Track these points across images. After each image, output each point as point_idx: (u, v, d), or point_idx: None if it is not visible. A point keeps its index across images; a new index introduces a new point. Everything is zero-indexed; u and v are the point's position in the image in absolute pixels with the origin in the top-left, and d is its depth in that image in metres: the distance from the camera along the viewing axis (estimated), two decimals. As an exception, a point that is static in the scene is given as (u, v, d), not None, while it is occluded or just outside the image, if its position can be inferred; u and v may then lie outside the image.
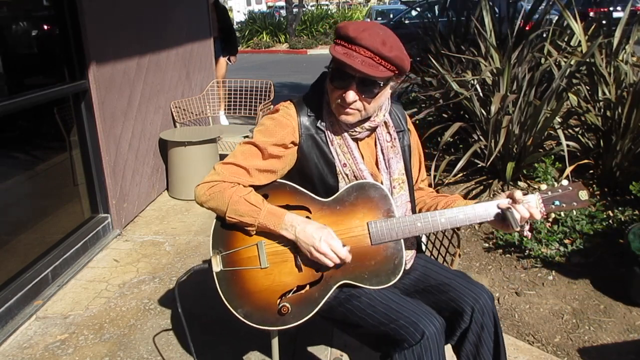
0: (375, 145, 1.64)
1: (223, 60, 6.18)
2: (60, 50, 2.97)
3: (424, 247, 1.92)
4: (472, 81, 3.73)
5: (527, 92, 3.39)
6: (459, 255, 1.87)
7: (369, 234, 1.51)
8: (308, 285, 1.52)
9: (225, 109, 5.32)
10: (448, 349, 1.54)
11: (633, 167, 3.21)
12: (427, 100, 4.43)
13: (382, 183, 1.61)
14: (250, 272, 1.52)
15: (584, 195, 1.54)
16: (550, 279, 2.74)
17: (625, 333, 2.33)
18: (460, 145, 4.00)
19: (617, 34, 3.62)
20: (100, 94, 3.12)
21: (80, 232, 3.09)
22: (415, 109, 4.21)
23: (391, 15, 14.66)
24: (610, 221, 3.01)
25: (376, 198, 1.54)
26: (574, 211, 3.02)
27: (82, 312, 2.53)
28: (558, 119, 3.49)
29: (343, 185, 1.58)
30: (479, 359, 1.54)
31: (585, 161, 3.41)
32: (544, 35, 4.15)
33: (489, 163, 3.34)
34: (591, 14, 5.81)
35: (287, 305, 1.49)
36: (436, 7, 6.40)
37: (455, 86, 3.77)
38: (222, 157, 4.03)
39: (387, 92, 1.54)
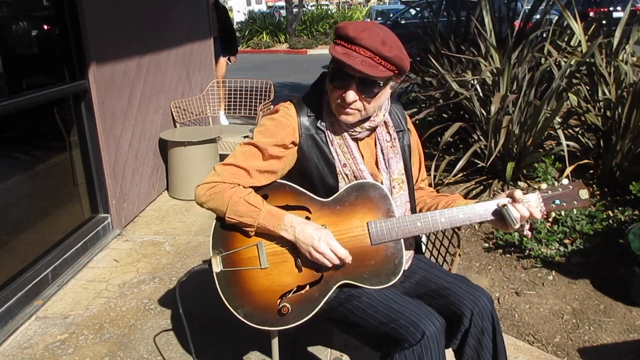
0: (375, 145, 1.64)
1: (223, 60, 6.18)
2: (60, 50, 2.97)
3: (423, 248, 1.92)
4: (472, 81, 3.73)
5: (527, 92, 3.39)
6: (459, 256, 1.87)
7: (369, 234, 1.51)
8: (308, 286, 1.52)
9: (225, 109, 5.32)
10: (449, 353, 1.54)
11: (633, 167, 3.21)
12: (427, 100, 4.44)
13: (382, 183, 1.61)
14: (250, 272, 1.52)
15: (584, 194, 1.54)
16: (550, 279, 2.74)
17: (625, 333, 2.33)
18: (460, 145, 4.00)
19: (617, 34, 3.62)
20: (100, 94, 3.12)
21: (80, 232, 3.09)
22: (415, 109, 4.21)
23: (391, 15, 14.66)
24: (610, 221, 3.01)
25: (376, 198, 1.54)
26: (574, 211, 3.02)
27: (82, 312, 2.53)
28: (558, 119, 3.49)
29: (343, 185, 1.58)
30: (480, 362, 1.54)
31: (585, 161, 3.41)
32: (544, 35, 4.15)
33: (489, 163, 3.34)
34: (591, 14, 5.82)
35: (287, 305, 1.49)
36: (433, 7, 6.39)
37: (455, 86, 3.77)
38: (222, 157, 4.04)
39: (387, 91, 1.54)
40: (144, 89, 3.73)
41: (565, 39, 4.13)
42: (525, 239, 2.91)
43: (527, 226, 1.55)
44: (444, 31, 4.91)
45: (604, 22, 4.21)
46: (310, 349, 2.21)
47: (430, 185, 1.95)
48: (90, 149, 3.15)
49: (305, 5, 24.24)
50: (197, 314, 2.41)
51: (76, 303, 2.60)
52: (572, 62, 3.40)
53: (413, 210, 1.72)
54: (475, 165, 3.63)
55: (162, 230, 3.43)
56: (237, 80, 5.01)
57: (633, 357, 2.18)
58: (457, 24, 4.98)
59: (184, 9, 4.50)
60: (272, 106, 4.17)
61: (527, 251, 2.92)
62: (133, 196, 3.59)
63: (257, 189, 1.55)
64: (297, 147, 1.58)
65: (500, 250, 3.01)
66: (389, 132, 1.65)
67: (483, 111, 3.59)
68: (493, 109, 3.35)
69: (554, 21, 4.32)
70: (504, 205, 1.48)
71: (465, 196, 3.47)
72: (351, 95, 1.46)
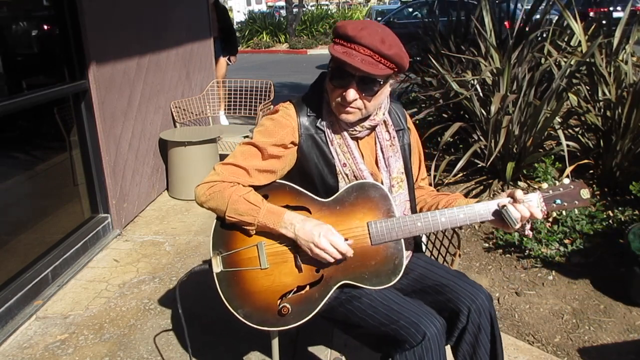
0: (375, 144, 1.64)
1: (223, 60, 6.18)
2: (60, 50, 2.97)
3: (424, 247, 1.92)
4: (472, 81, 3.73)
5: (527, 92, 3.39)
6: (459, 256, 1.87)
7: (369, 234, 1.51)
8: (308, 286, 1.52)
9: (225, 109, 5.32)
10: (447, 349, 1.54)
11: (633, 167, 3.21)
12: (427, 100, 4.44)
13: (382, 182, 1.61)
14: (251, 272, 1.52)
15: (585, 193, 1.53)
16: (550, 279, 2.74)
17: (625, 333, 2.33)
18: (460, 145, 4.00)
19: (617, 34, 3.62)
20: (100, 94, 3.12)
21: (80, 232, 3.09)
22: (415, 109, 4.21)
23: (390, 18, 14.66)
24: (610, 221, 3.01)
25: (376, 198, 1.54)
26: (574, 211, 3.02)
27: (82, 312, 2.53)
28: (558, 119, 3.49)
29: (343, 185, 1.57)
30: (476, 359, 1.54)
31: (585, 161, 3.41)
32: (544, 35, 4.15)
33: (489, 163, 3.34)
34: (591, 14, 5.82)
35: (288, 305, 1.49)
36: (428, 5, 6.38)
37: (455, 86, 3.77)
38: (222, 157, 4.04)
39: (386, 90, 1.54)
40: (144, 89, 3.73)
41: (565, 39, 4.13)
42: (525, 239, 2.91)
43: (528, 226, 1.55)
44: (444, 31, 4.91)
45: (604, 22, 4.21)
46: (310, 349, 2.21)
47: (430, 184, 1.95)
48: (90, 149, 3.15)
49: (305, 5, 24.24)
50: (197, 314, 2.40)
51: (76, 303, 2.60)
52: (572, 62, 3.40)
53: (413, 209, 1.71)
54: (475, 165, 3.63)
55: (162, 230, 3.43)
56: (237, 80, 5.01)
57: (633, 357, 2.18)
58: (457, 24, 4.98)
59: (184, 9, 4.50)
60: (272, 106, 4.17)
61: (527, 251, 2.92)
62: (133, 196, 3.59)
63: (257, 189, 1.55)
64: (296, 147, 1.58)
65: (500, 250, 3.01)
66: (388, 131, 1.65)
67: (483, 111, 3.59)
68: (493, 109, 3.35)
69: (554, 21, 4.32)
70: (504, 205, 1.48)
71: (466, 196, 3.45)
72: (351, 94, 1.46)
